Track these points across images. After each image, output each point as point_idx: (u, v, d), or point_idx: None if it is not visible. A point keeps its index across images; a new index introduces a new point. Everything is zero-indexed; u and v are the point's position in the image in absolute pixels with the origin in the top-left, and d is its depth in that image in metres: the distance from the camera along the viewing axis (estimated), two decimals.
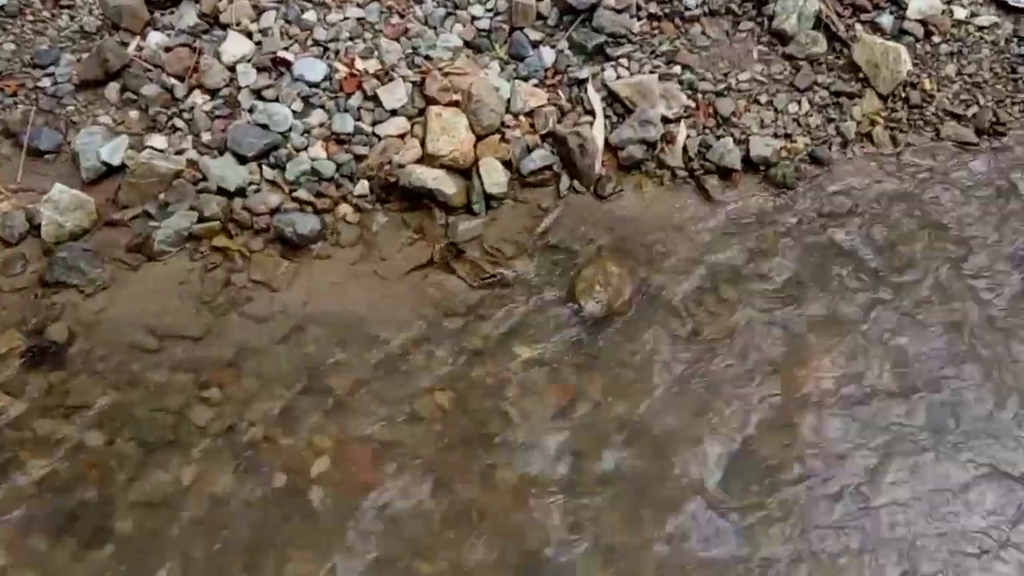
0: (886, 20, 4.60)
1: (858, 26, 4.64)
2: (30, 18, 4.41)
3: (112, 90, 4.24)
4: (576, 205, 4.02)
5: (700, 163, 4.21)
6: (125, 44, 4.36)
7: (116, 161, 3.99)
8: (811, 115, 4.41)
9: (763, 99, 4.39)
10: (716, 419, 3.37)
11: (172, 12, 4.51)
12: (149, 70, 4.26)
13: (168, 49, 4.27)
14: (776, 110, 4.38)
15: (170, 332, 3.57)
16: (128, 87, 4.24)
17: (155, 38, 4.34)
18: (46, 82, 4.24)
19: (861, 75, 4.50)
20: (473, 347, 3.59)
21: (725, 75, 4.43)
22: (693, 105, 4.34)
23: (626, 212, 4.00)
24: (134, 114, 4.20)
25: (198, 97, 4.18)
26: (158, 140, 4.08)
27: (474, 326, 3.64)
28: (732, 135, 4.26)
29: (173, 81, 4.23)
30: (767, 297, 3.76)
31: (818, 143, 4.34)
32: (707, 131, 4.29)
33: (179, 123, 4.16)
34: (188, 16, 4.40)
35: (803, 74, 4.48)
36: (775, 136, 4.31)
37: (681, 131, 4.25)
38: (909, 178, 4.20)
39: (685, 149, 4.23)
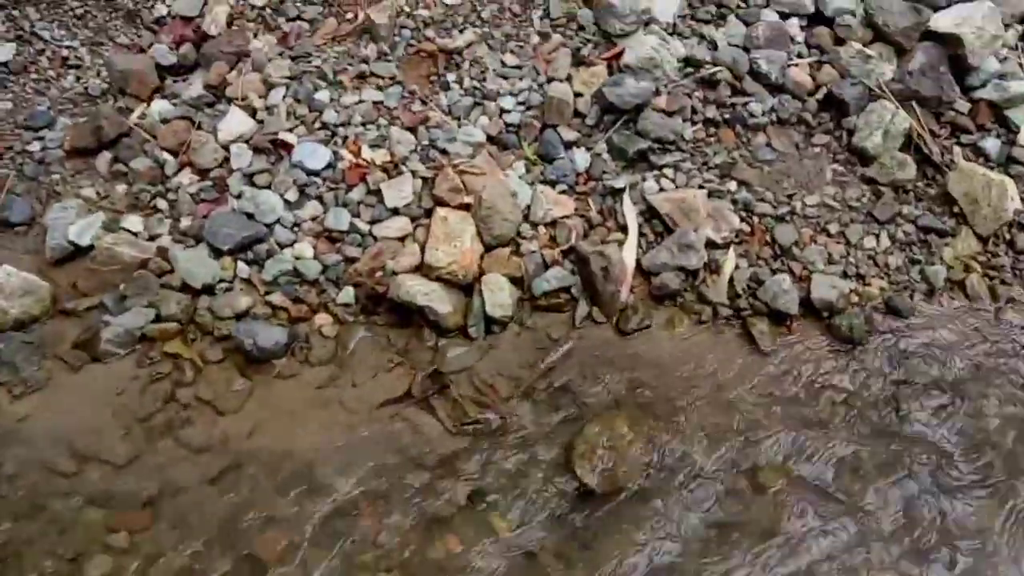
0: (991, 145, 3.58)
1: (957, 149, 3.62)
2: (33, 76, 3.82)
3: (103, 160, 3.59)
4: (592, 339, 3.11)
5: (748, 301, 3.26)
6: (127, 111, 3.72)
7: (85, 241, 3.31)
8: (891, 253, 3.41)
9: (833, 229, 3.42)
10: None
11: (184, 80, 3.86)
12: (147, 141, 3.60)
13: (166, 121, 3.60)
14: (848, 244, 3.40)
15: (92, 454, 2.81)
16: (120, 158, 3.58)
17: (159, 107, 3.68)
18: (35, 146, 3.62)
19: (956, 210, 3.49)
20: (436, 513, 2.71)
21: (789, 197, 3.48)
22: (747, 230, 3.40)
23: (651, 354, 3.07)
24: (121, 188, 3.53)
25: (186, 176, 3.48)
26: (134, 222, 3.39)
27: (443, 485, 2.76)
28: (791, 270, 3.30)
29: (166, 156, 3.55)
30: (818, 492, 2.75)
31: (898, 289, 3.34)
32: (761, 263, 3.34)
33: (161, 204, 3.46)
34: (195, 86, 3.74)
35: (885, 203, 3.49)
36: (844, 276, 3.32)
37: (729, 260, 3.32)
38: (1010, 344, 3.13)
39: (732, 282, 3.28)
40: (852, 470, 2.77)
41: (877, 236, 3.39)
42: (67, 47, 3.84)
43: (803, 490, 2.71)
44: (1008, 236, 3.41)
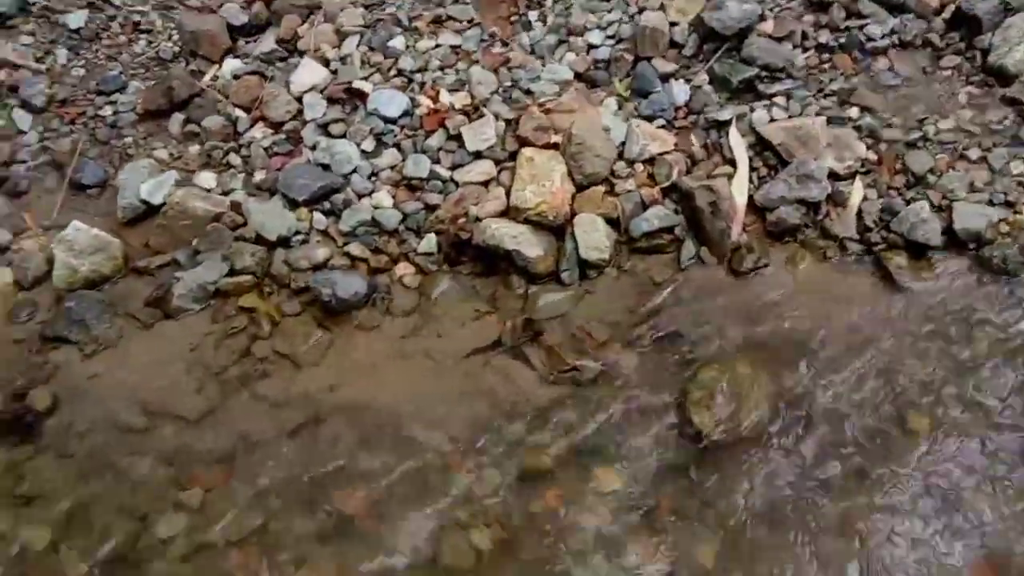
0: None
1: None
2: (106, 42, 3.72)
3: (175, 122, 3.45)
4: (702, 281, 2.76)
5: (882, 235, 2.86)
6: (199, 73, 3.58)
7: (157, 200, 3.15)
8: None
9: (973, 155, 2.99)
10: None
11: (256, 39, 3.70)
12: (219, 101, 3.44)
13: (237, 77, 3.44)
14: (992, 170, 2.96)
15: (164, 410, 2.61)
16: (192, 119, 3.43)
17: (231, 66, 3.52)
18: (107, 110, 3.51)
19: None
20: (536, 466, 2.39)
21: (920, 122, 3.07)
22: (874, 158, 3.00)
23: (771, 295, 2.70)
24: (194, 149, 3.38)
25: (259, 131, 3.30)
26: (207, 178, 3.21)
27: (541, 437, 2.45)
28: (929, 199, 2.88)
29: (238, 112, 3.38)
30: (980, 429, 2.33)
31: None
32: (892, 193, 2.93)
33: (234, 160, 3.28)
34: (266, 42, 3.57)
35: None
36: (991, 204, 2.88)
37: (856, 191, 2.92)
38: None
39: (860, 215, 2.89)
40: (1014, 414, 2.31)
41: None
42: (138, 12, 3.73)
43: (961, 430, 2.27)
44: None
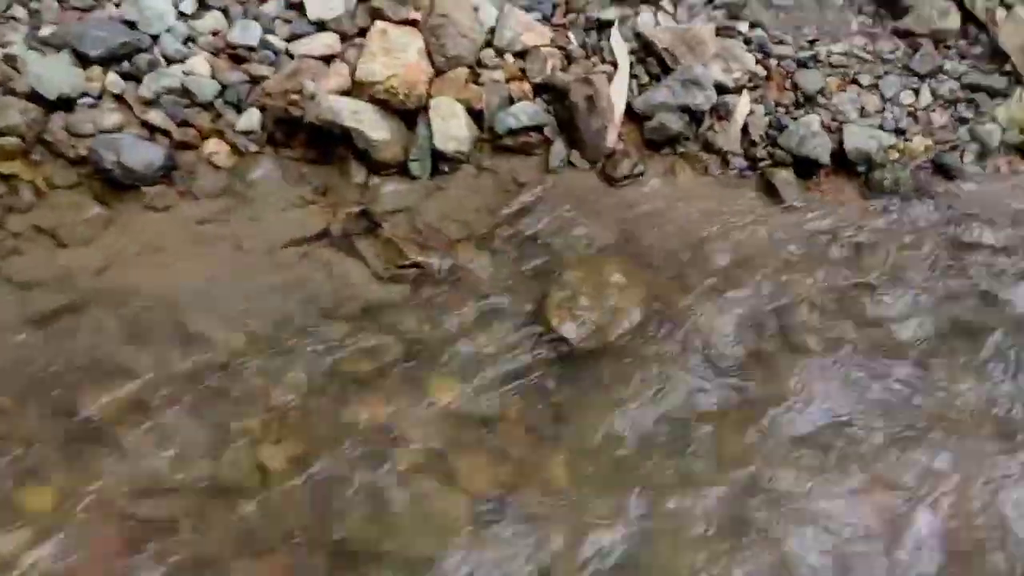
0: None
1: (1000, 11, 2.98)
2: None
3: None
4: (571, 185, 2.35)
5: (767, 150, 2.55)
6: None
7: None
8: (934, 110, 2.74)
9: (865, 80, 2.75)
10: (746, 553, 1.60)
11: None
12: None
13: None
14: (884, 97, 2.72)
15: None
16: None
17: None
18: None
19: (1009, 67, 2.84)
20: (356, 372, 1.88)
21: (811, 42, 2.80)
22: (763, 73, 2.70)
23: (647, 205, 2.33)
24: None
25: None
26: None
27: (367, 340, 1.95)
28: (820, 119, 2.59)
29: None
30: (868, 351, 2.01)
31: (945, 149, 2.65)
32: (780, 110, 2.63)
33: (19, 12, 2.60)
34: None
35: (924, 54, 2.83)
36: (882, 129, 2.62)
37: (743, 103, 2.61)
38: None
39: (746, 130, 2.57)
40: (924, 339, 2.02)
41: (916, 91, 2.72)
42: None
43: (847, 352, 1.95)
44: None
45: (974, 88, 2.79)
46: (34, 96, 2.40)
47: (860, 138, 2.54)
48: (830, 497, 1.72)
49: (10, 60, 2.46)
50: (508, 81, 2.59)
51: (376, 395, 1.84)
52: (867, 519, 1.73)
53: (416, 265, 2.11)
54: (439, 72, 2.52)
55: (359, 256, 2.12)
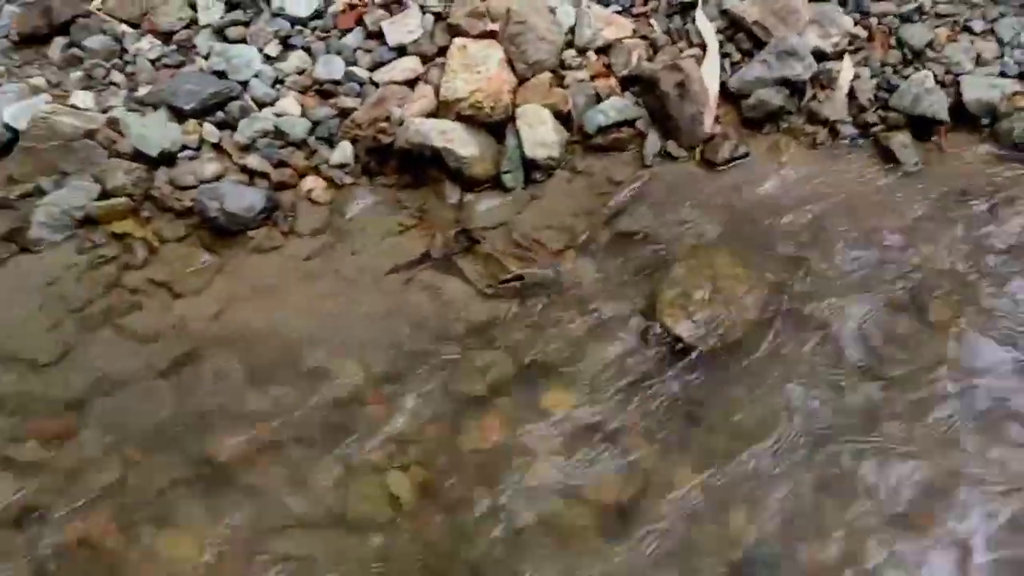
0: None
1: None
2: None
3: (56, 46, 2.92)
4: (670, 177, 2.26)
5: (879, 114, 2.38)
6: None
7: (23, 125, 2.58)
8: None
9: (977, 27, 2.52)
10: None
11: None
12: (106, 21, 2.89)
13: None
14: (1001, 42, 2.49)
15: (10, 353, 2.03)
16: (75, 42, 2.89)
17: None
18: None
19: None
20: (471, 393, 1.84)
21: None
22: (863, 34, 2.52)
23: (754, 187, 2.20)
24: (76, 75, 2.83)
25: (146, 42, 2.75)
26: (83, 97, 2.67)
27: (478, 358, 1.90)
28: (933, 73, 2.39)
29: (124, 28, 2.84)
30: (1011, 319, 1.82)
31: None
32: (887, 70, 2.44)
33: (117, 77, 2.73)
34: None
35: None
36: (1003, 76, 2.40)
37: (846, 69, 2.44)
38: None
39: (852, 95, 2.40)
40: None
41: None
42: None
43: (991, 320, 1.76)
44: None
45: None
46: (137, 155, 2.50)
47: (980, 88, 2.34)
48: None
49: (113, 124, 2.57)
50: (593, 79, 2.53)
51: (493, 413, 1.79)
52: None
53: (519, 278, 2.05)
54: (522, 80, 2.48)
55: (461, 275, 2.09)
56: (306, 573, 1.64)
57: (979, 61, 2.46)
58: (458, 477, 1.69)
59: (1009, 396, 1.70)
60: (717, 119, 2.43)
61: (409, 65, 2.55)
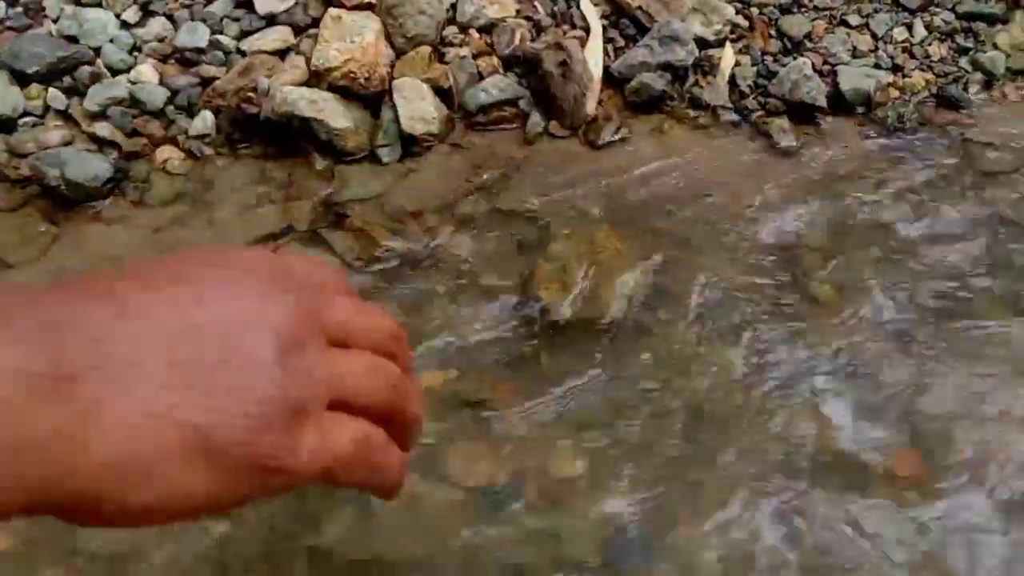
0: None
1: None
2: None
3: None
4: (552, 156, 2.19)
5: (759, 100, 2.38)
6: None
7: None
8: (930, 44, 2.57)
9: (853, 20, 2.59)
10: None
11: None
12: None
13: None
14: (875, 36, 2.55)
15: None
16: None
17: None
18: None
19: None
20: None
21: None
22: (744, 23, 2.53)
23: (636, 165, 2.16)
24: None
25: None
26: None
27: None
28: (811, 63, 2.43)
29: None
30: (892, 291, 1.83)
31: (947, 81, 2.48)
32: (769, 58, 2.46)
33: None
34: None
35: None
36: (878, 67, 2.46)
37: (727, 56, 2.44)
38: None
39: (733, 81, 2.40)
40: (929, 271, 1.83)
41: (909, 26, 2.56)
42: None
43: (870, 302, 1.76)
44: None
45: (971, 17, 2.63)
46: None
47: (855, 78, 2.38)
48: None
49: None
50: (476, 57, 2.44)
51: None
52: None
53: (389, 251, 1.92)
54: (400, 53, 2.37)
55: (330, 249, 1.95)
56: (135, 566, 1.45)
57: (855, 53, 2.50)
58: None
59: (881, 370, 1.67)
60: (600, 102, 2.38)
61: (280, 35, 2.41)
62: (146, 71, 2.37)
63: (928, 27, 2.62)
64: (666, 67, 2.41)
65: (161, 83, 2.37)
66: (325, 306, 0.37)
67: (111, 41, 2.42)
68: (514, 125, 2.33)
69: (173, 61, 2.43)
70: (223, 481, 0.32)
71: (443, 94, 2.36)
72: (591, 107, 2.40)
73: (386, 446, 0.38)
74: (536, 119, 2.35)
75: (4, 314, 0.30)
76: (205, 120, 2.29)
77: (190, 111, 2.33)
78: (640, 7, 2.51)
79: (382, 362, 0.39)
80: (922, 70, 2.51)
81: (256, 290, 0.35)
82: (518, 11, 2.57)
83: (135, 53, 2.44)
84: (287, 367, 0.33)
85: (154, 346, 0.31)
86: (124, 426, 0.30)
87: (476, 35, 2.48)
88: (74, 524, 0.31)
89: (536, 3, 2.61)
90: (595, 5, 2.57)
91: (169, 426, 0.31)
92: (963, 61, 2.55)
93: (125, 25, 2.49)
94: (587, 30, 2.51)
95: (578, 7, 2.57)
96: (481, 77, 2.40)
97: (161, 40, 2.47)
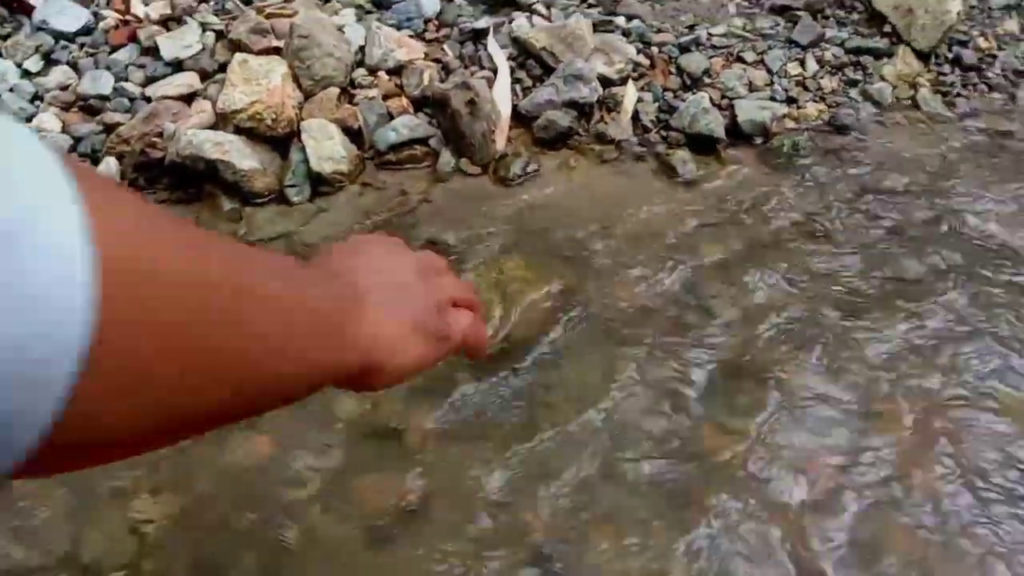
0: None
1: None
2: None
3: None
4: (463, 192, 2.23)
5: (661, 134, 2.48)
6: None
7: None
8: (822, 77, 2.72)
9: (749, 57, 2.73)
10: None
11: None
12: None
13: None
14: (770, 71, 2.69)
15: None
16: None
17: None
18: None
19: (888, 28, 2.87)
20: None
21: (691, 27, 2.78)
22: (646, 62, 2.65)
23: (544, 198, 2.21)
24: None
25: None
26: None
27: None
28: (709, 97, 2.54)
29: None
30: (786, 307, 1.90)
31: (839, 110, 2.63)
32: (669, 94, 2.57)
33: None
34: None
35: (804, 26, 2.84)
36: (773, 100, 2.59)
37: (629, 93, 2.54)
38: (982, 137, 2.46)
39: (636, 117, 2.49)
40: (834, 288, 1.92)
41: (802, 61, 2.71)
42: None
43: (764, 316, 1.84)
44: (950, 54, 2.78)
45: (858, 52, 2.80)
46: None
47: (752, 110, 2.49)
48: None
49: None
50: (386, 98, 2.49)
51: (268, 427, 1.62)
52: None
53: None
54: (308, 95, 2.40)
55: None
56: None
57: (751, 87, 2.63)
58: (215, 501, 1.50)
59: (779, 375, 1.73)
60: (510, 139, 2.44)
61: (186, 80, 2.41)
62: (48, 119, 2.34)
63: (820, 61, 2.76)
64: (572, 104, 2.49)
65: (63, 131, 2.34)
66: (427, 256, 0.65)
67: (11, 90, 2.38)
68: (425, 163, 2.37)
69: (76, 109, 2.41)
70: (431, 347, 0.56)
71: (353, 134, 2.39)
72: (501, 144, 2.45)
73: (481, 323, 0.65)
74: (447, 157, 2.39)
75: (311, 271, 0.51)
76: (109, 166, 2.27)
77: (94, 158, 2.30)
78: (545, 48, 2.59)
79: (465, 284, 0.66)
80: (815, 101, 2.65)
81: (399, 252, 0.60)
82: (426, 54, 2.63)
83: (37, 102, 2.41)
84: (429, 288, 0.58)
85: (381, 282, 0.54)
86: (386, 323, 0.52)
87: (385, 77, 2.53)
88: (363, 390, 0.53)
89: (445, 46, 2.67)
90: (502, 47, 2.64)
91: (402, 320, 0.54)
92: (853, 92, 2.70)
93: (27, 74, 2.46)
94: (495, 71, 2.58)
95: (486, 49, 2.65)
96: (391, 117, 2.44)
97: (64, 88, 2.45)
